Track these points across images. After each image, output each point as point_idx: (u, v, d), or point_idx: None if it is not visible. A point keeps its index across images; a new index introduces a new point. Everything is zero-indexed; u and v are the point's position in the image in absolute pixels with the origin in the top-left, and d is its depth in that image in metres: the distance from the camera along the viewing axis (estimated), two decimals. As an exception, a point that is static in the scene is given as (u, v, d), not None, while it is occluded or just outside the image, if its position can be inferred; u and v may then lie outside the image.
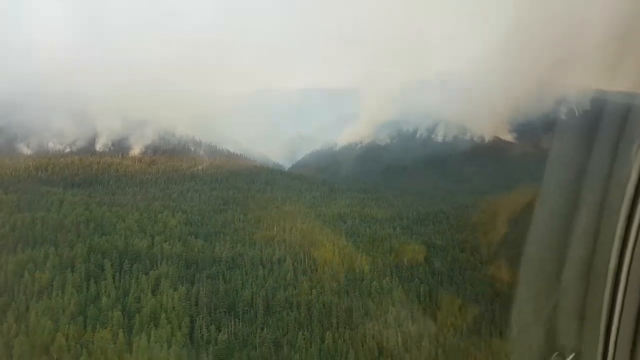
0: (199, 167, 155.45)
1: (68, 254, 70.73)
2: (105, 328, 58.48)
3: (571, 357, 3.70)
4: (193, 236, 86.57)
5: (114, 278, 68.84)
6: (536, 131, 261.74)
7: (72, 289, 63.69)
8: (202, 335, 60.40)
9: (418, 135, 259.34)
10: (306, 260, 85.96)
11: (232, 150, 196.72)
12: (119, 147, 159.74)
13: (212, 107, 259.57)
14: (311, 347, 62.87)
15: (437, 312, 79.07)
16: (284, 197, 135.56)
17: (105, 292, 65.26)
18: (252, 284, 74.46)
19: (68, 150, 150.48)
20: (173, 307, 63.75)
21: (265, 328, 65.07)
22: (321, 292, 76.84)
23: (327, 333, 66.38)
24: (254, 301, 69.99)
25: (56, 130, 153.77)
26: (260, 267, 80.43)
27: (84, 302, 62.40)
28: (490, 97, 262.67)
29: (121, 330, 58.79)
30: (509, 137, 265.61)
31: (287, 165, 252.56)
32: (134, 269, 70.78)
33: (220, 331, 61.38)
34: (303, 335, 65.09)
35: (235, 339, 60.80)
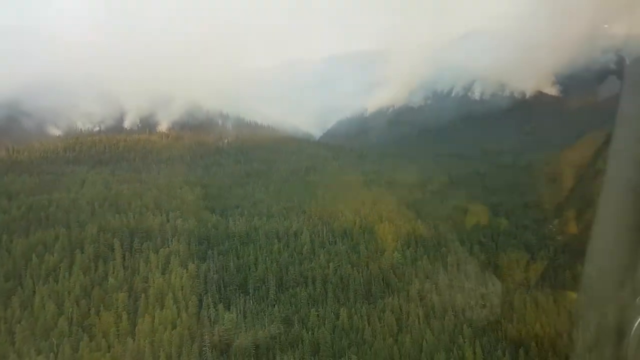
0: (225, 141, 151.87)
1: (78, 234, 68.59)
2: (109, 311, 55.99)
3: None
4: (209, 211, 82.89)
5: (123, 258, 66.21)
6: (583, 83, 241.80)
7: (78, 270, 61.51)
8: (210, 315, 56.93)
9: (453, 94, 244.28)
10: (324, 232, 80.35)
11: (259, 122, 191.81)
12: (147, 124, 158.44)
13: (239, 80, 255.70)
14: (324, 324, 57.98)
15: (465, 283, 72.23)
16: (308, 167, 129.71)
17: (114, 272, 62.77)
18: (266, 259, 69.91)
19: (97, 129, 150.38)
20: (182, 287, 60.47)
21: (276, 305, 60.71)
22: (339, 266, 71.39)
23: (343, 309, 61.14)
24: (266, 277, 65.59)
25: (84, 110, 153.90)
26: (276, 240, 75.67)
27: (90, 284, 60.14)
28: (530, 49, 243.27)
29: (125, 312, 56.17)
30: (553, 90, 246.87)
31: (317, 134, 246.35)
32: (144, 247, 67.84)
33: (228, 310, 57.62)
34: (317, 312, 60.28)
35: (244, 317, 56.85)
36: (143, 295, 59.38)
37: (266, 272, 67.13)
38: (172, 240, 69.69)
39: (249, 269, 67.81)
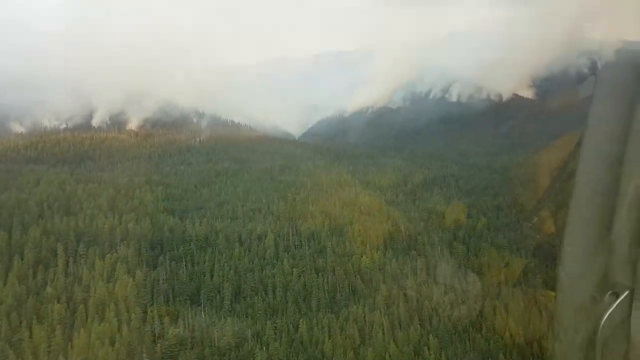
0: (198, 139, 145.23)
1: (19, 238, 61.91)
2: (43, 324, 49.66)
3: (625, 294, 3.76)
4: (167, 213, 76.66)
5: (66, 264, 59.84)
6: (559, 86, 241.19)
7: (14, 278, 54.95)
8: (154, 330, 50.98)
9: (432, 96, 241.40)
10: (291, 235, 74.91)
11: (236, 120, 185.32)
12: (117, 122, 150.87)
13: (218, 78, 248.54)
14: (281, 338, 52.45)
15: (434, 289, 67.53)
16: (282, 166, 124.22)
17: (53, 280, 56.39)
18: (224, 265, 64.14)
19: (63, 127, 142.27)
20: (125, 297, 54.41)
21: (230, 317, 55.03)
22: (303, 271, 66.02)
23: (303, 320, 55.69)
24: (221, 286, 59.87)
25: (52, 107, 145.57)
26: (237, 245, 69.92)
27: (25, 293, 53.70)
28: (508, 52, 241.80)
29: (60, 325, 49.90)
30: (529, 93, 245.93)
31: (297, 133, 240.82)
32: (90, 252, 61.50)
33: (175, 324, 51.74)
34: (274, 324, 54.73)
35: (192, 332, 51.04)
36: (82, 306, 53.10)
37: (222, 280, 61.30)
38: (121, 245, 63.38)
39: (204, 276, 61.92)
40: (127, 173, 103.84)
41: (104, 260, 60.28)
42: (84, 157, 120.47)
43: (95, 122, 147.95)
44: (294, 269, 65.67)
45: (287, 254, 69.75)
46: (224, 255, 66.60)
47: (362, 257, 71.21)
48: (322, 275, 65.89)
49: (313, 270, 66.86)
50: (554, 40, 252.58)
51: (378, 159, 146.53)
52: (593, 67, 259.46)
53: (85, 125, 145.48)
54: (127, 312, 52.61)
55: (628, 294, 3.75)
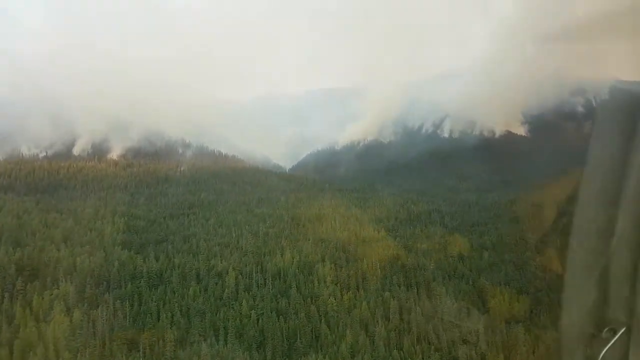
0: (180, 169, 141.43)
1: (-47, 272, 56.77)
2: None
3: (622, 331, 3.85)
4: (123, 247, 71.38)
5: (1, 301, 54.38)
6: (551, 124, 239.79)
7: None
8: (81, 379, 45.24)
9: (423, 130, 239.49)
10: (254, 273, 69.48)
11: (224, 152, 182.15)
12: (99, 150, 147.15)
13: (210, 111, 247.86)
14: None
15: (405, 337, 61.49)
16: (261, 199, 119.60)
17: (-20, 319, 50.93)
18: (174, 305, 58.55)
19: (43, 155, 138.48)
20: (56, 339, 48.69)
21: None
22: (262, 314, 60.27)
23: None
24: (167, 329, 54.06)
25: (33, 134, 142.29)
26: (194, 283, 64.46)
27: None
28: (501, 89, 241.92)
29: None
30: (521, 130, 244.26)
31: (288, 166, 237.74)
32: (29, 288, 56.19)
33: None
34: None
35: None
36: (6, 349, 47.30)
37: (169, 323, 55.50)
38: (64, 281, 57.97)
39: (149, 318, 56.13)
40: (97, 203, 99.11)
41: (42, 297, 54.78)
42: (57, 186, 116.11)
43: (76, 150, 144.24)
44: (252, 311, 59.98)
45: (248, 293, 64.20)
46: (176, 294, 61.08)
47: (329, 298, 65.57)
48: (284, 318, 60.12)
49: (274, 313, 61.10)
50: (546, 78, 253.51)
51: (364, 193, 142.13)
52: (587, 105, 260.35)
53: (66, 154, 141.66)
54: (56, 357, 46.80)
55: (625, 330, 3.84)
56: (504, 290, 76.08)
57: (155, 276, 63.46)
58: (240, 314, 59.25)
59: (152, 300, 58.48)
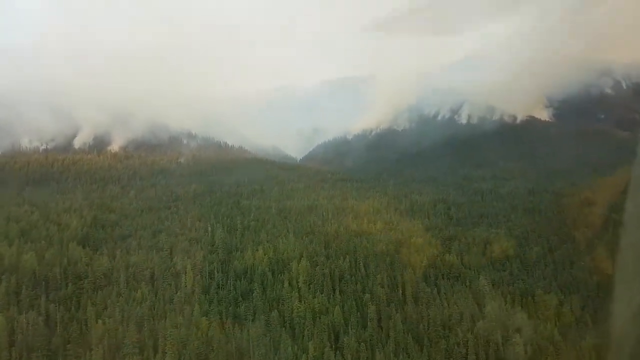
0: (180, 161, 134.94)
1: None
2: None
3: None
4: (80, 243, 64.22)
5: None
6: (578, 108, 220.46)
7: None
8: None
9: (440, 117, 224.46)
10: (217, 272, 60.99)
11: (230, 143, 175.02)
12: (100, 142, 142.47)
13: (221, 103, 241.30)
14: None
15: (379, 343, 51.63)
16: (254, 190, 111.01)
17: None
18: (115, 310, 50.74)
19: (43, 147, 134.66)
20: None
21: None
22: (211, 325, 51.59)
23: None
24: (101, 339, 46.25)
25: (35, 127, 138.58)
26: (144, 284, 56.55)
27: None
28: (524, 72, 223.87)
29: None
30: (545, 115, 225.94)
31: (298, 157, 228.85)
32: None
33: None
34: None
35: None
36: None
37: (104, 331, 47.63)
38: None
39: (84, 325, 48.46)
40: (77, 196, 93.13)
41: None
42: (49, 179, 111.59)
43: (77, 142, 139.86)
44: (204, 318, 51.41)
45: (205, 296, 55.77)
46: (121, 297, 53.24)
47: (297, 301, 56.35)
48: (239, 326, 51.35)
49: (229, 319, 52.40)
50: (571, 59, 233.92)
51: (368, 183, 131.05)
52: (616, 88, 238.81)
53: (66, 146, 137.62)
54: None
55: None
56: (505, 290, 64.87)
57: (103, 276, 55.93)
58: (190, 321, 50.83)
59: (91, 304, 50.89)
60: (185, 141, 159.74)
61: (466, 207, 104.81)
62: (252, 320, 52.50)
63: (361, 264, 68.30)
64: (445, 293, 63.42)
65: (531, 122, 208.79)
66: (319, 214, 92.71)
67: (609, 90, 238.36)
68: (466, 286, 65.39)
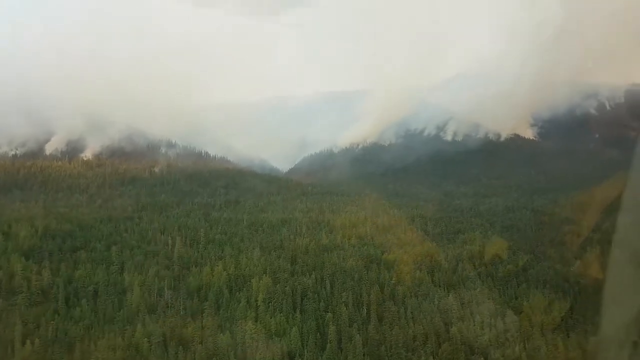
0: (154, 169, 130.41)
1: None
2: None
3: None
4: (24, 255, 59.45)
5: None
6: (562, 127, 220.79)
7: None
8: None
9: (426, 133, 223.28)
10: (166, 290, 56.54)
11: (212, 153, 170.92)
12: (73, 149, 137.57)
13: (207, 112, 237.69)
14: None
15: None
16: (229, 201, 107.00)
17: None
18: (52, 330, 46.02)
19: (12, 153, 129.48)
20: None
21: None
22: (157, 343, 47.08)
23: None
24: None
25: (5, 132, 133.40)
26: (85, 301, 51.93)
27: None
28: (508, 91, 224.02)
29: None
30: (529, 133, 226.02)
31: (285, 169, 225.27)
32: None
33: None
34: None
35: None
36: None
37: (30, 354, 42.87)
38: None
39: (10, 347, 43.63)
40: (36, 205, 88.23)
41: None
42: (12, 187, 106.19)
43: (49, 148, 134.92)
44: (146, 339, 46.83)
45: (150, 316, 51.16)
46: (58, 315, 48.54)
47: (250, 322, 52.00)
48: (183, 350, 46.81)
49: (174, 342, 47.85)
50: (557, 80, 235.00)
51: (349, 196, 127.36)
52: (600, 109, 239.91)
53: (37, 152, 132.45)
54: None
55: None
56: (475, 310, 61.14)
57: (39, 292, 51.30)
58: (130, 344, 46.21)
59: (21, 323, 46.18)
60: (163, 150, 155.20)
61: (444, 223, 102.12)
62: (200, 343, 47.91)
63: (327, 281, 64.31)
64: (412, 312, 59.49)
65: (515, 140, 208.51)
66: (292, 228, 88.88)
67: (593, 111, 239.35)
68: (434, 305, 61.57)
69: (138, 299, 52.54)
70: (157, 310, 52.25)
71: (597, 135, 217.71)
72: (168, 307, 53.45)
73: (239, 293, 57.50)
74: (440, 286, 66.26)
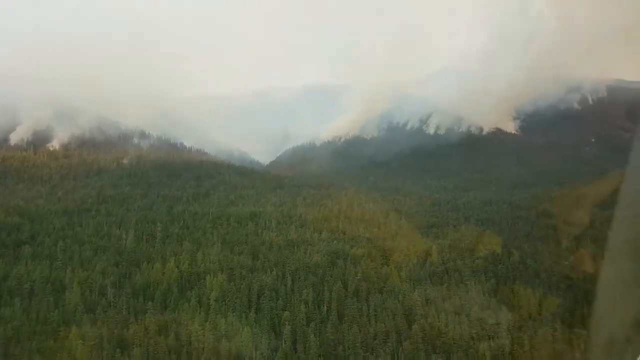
0: (123, 161, 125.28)
1: None
2: None
3: None
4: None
5: None
6: (544, 121, 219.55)
7: None
8: None
9: (409, 127, 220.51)
10: (110, 288, 52.53)
11: (189, 145, 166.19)
12: (40, 139, 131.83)
13: (188, 104, 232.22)
14: None
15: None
16: (198, 194, 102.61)
17: None
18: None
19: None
20: None
21: None
22: (92, 347, 43.23)
23: None
24: None
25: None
26: (21, 299, 47.76)
27: None
28: (491, 85, 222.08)
29: None
30: (511, 127, 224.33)
31: (266, 161, 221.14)
32: None
33: None
34: None
35: None
36: None
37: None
38: None
39: None
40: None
41: None
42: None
43: (14, 138, 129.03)
44: (81, 341, 42.91)
45: (89, 315, 47.18)
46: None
47: (198, 323, 48.27)
48: (121, 353, 42.99)
49: (112, 345, 43.98)
50: (541, 74, 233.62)
51: (326, 189, 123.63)
52: (583, 103, 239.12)
53: (1, 142, 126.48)
54: None
55: None
56: (440, 307, 58.22)
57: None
58: (62, 345, 42.29)
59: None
60: (136, 140, 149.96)
61: (419, 216, 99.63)
62: (139, 346, 44.15)
63: (289, 277, 60.85)
64: (374, 309, 56.36)
65: (497, 134, 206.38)
66: (261, 222, 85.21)
67: (576, 105, 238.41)
68: (399, 302, 58.51)
69: (77, 298, 48.51)
70: (97, 310, 48.24)
71: (579, 130, 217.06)
72: (110, 306, 49.45)
73: (190, 291, 53.66)
74: (406, 282, 63.27)
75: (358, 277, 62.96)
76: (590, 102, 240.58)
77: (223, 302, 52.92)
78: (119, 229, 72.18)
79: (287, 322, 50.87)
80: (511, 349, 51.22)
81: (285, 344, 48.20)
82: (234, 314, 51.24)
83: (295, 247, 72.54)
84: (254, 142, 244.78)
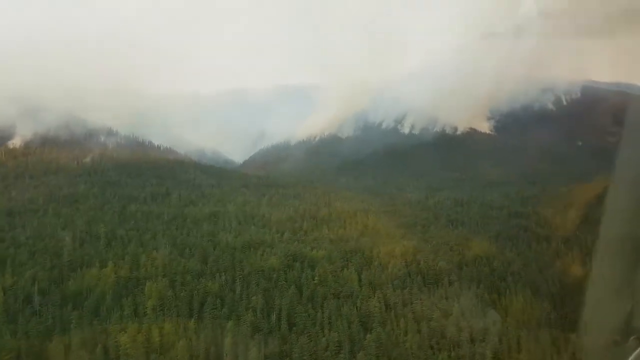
0: (86, 159, 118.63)
1: None
2: None
3: None
4: None
5: None
6: (518, 121, 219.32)
7: None
8: None
9: (384, 126, 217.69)
10: (36, 295, 47.24)
11: (157, 143, 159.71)
12: (2, 136, 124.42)
13: (158, 102, 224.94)
14: None
15: None
16: (156, 194, 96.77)
17: None
18: None
19: None
20: None
21: None
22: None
23: None
24: None
25: None
26: None
27: None
28: (466, 85, 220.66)
29: None
30: (486, 127, 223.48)
31: (239, 161, 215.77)
32: None
33: None
34: None
35: None
36: None
37: None
38: None
39: None
40: None
41: None
42: None
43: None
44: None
45: (9, 326, 41.87)
46: None
47: (127, 335, 43.34)
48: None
49: (32, 358, 38.84)
50: (515, 74, 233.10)
51: (295, 189, 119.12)
52: (557, 103, 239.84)
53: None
54: None
55: None
56: (400, 313, 54.51)
57: None
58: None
59: None
60: (102, 138, 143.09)
61: (388, 217, 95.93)
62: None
63: (238, 282, 56.33)
64: (329, 317, 52.27)
65: (471, 134, 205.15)
66: (220, 223, 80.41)
67: (550, 106, 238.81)
68: (357, 308, 54.57)
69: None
70: (19, 320, 42.99)
71: (553, 130, 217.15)
72: (34, 315, 44.23)
73: (126, 299, 48.66)
74: (366, 286, 59.37)
75: (315, 282, 58.85)
76: (565, 102, 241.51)
77: (161, 311, 48.01)
78: (64, 230, 66.51)
79: (229, 333, 46.29)
80: (471, 357, 47.80)
81: (225, 357, 43.67)
82: (170, 324, 46.43)
83: (252, 249, 67.93)
84: (229, 142, 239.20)
